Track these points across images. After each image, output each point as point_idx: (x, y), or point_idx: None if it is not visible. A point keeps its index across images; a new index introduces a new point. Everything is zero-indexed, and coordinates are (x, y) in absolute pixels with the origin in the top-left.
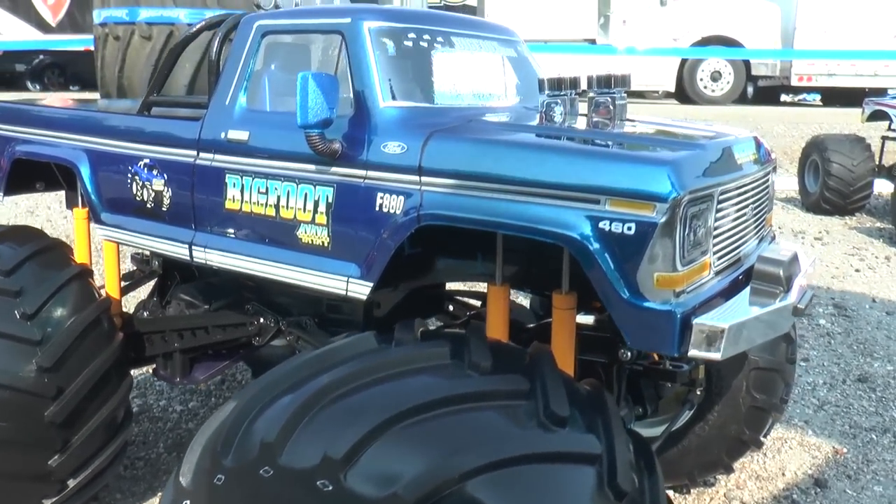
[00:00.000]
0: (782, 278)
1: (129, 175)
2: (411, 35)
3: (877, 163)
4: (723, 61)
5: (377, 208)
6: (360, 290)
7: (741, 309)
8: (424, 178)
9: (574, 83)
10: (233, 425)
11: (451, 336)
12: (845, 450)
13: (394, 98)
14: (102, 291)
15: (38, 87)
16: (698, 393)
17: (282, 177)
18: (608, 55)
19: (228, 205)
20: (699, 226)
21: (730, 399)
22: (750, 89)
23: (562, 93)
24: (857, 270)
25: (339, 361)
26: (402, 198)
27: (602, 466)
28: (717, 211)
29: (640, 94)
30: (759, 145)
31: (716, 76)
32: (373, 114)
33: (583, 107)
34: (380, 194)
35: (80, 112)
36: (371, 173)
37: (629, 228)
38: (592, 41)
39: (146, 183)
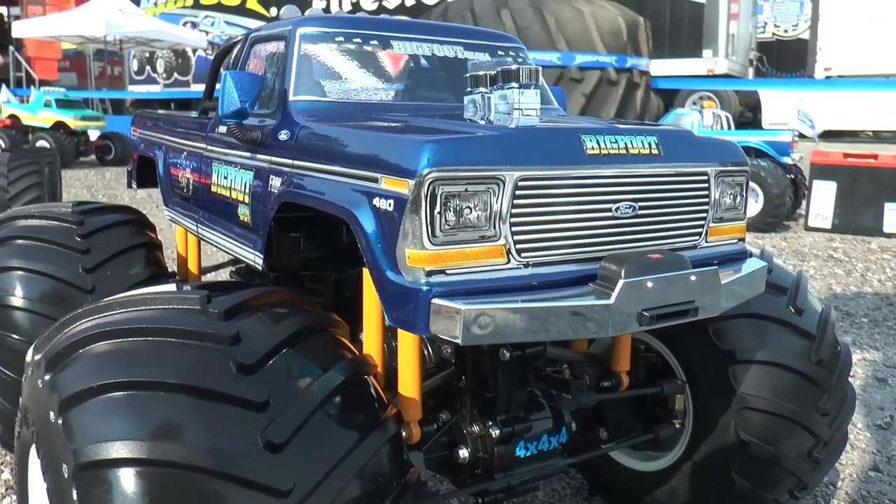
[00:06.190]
0: (616, 277)
1: (178, 165)
2: (339, 38)
3: None
4: None
5: (268, 188)
6: (259, 261)
7: (533, 300)
8: (294, 161)
9: (493, 80)
10: (55, 329)
11: (227, 287)
12: None
13: (306, 93)
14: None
15: None
16: (676, 425)
17: (233, 163)
18: None
19: (213, 188)
20: (469, 207)
21: (717, 440)
22: None
23: (478, 89)
24: None
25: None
26: (279, 179)
27: (265, 418)
28: (520, 198)
29: None
30: (673, 141)
31: None
32: (285, 107)
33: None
34: (271, 176)
35: (162, 115)
36: (273, 158)
37: (390, 205)
38: None
39: (184, 171)
